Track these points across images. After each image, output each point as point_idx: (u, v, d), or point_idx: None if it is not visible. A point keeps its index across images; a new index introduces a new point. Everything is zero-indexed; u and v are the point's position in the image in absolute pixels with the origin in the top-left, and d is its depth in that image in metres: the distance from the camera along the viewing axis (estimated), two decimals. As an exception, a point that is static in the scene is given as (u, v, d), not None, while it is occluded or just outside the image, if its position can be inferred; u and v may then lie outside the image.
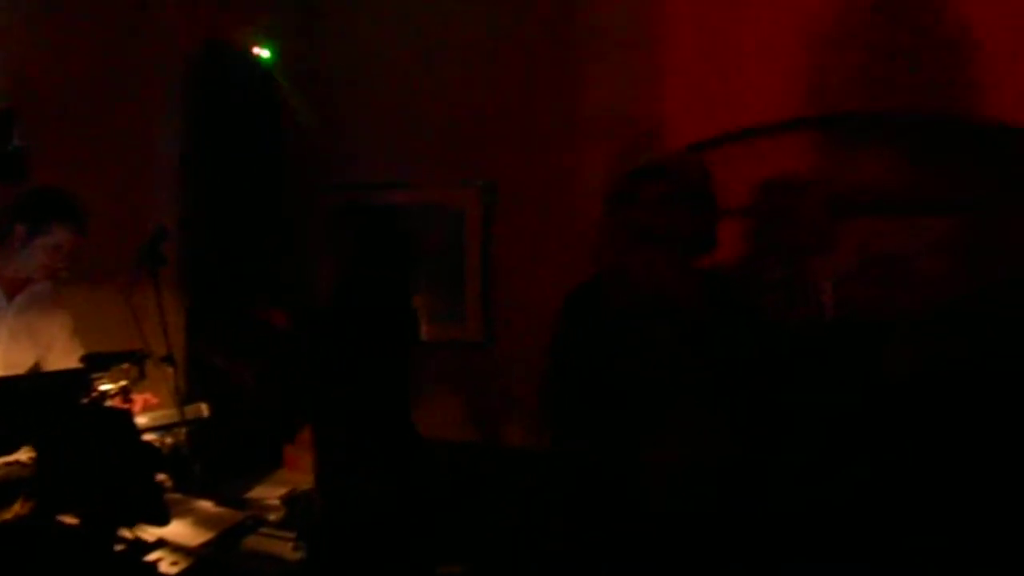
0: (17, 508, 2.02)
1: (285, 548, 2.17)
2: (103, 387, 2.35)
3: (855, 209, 2.92)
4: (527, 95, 3.23)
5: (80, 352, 2.53)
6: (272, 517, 2.38)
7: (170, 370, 2.63)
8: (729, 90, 2.92)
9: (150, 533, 2.09)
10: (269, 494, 2.61)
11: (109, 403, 2.34)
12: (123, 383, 2.37)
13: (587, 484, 1.84)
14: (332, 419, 2.51)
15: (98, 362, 2.37)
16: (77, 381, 2.32)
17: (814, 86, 2.80)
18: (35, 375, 2.48)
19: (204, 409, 2.72)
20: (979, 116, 2.62)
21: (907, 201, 2.88)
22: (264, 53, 3.39)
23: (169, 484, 2.54)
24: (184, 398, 2.72)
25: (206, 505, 2.39)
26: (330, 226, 2.53)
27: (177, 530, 2.15)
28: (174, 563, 2.02)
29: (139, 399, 2.45)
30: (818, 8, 2.78)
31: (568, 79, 3.17)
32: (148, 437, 2.65)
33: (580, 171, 3.13)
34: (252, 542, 2.21)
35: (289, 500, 2.50)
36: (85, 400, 2.30)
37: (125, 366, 2.38)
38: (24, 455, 2.10)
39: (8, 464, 2.08)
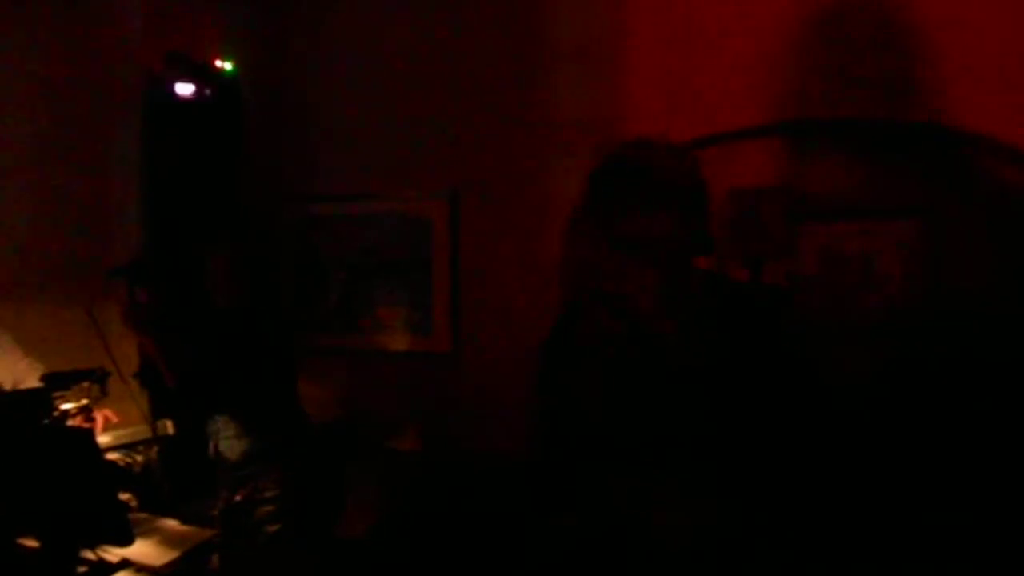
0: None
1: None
2: (64, 406, 2.32)
3: (817, 213, 2.96)
4: (492, 103, 3.23)
5: (22, 366, 2.49)
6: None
7: (137, 386, 2.60)
8: (692, 97, 2.95)
9: (114, 554, 2.06)
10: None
11: (70, 422, 2.31)
12: (84, 402, 2.34)
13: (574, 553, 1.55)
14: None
15: (58, 381, 2.33)
16: (37, 401, 2.29)
17: (775, 92, 2.84)
18: (-6, 396, 2.43)
19: (169, 426, 2.69)
20: (939, 121, 2.66)
21: (867, 205, 2.92)
22: (226, 66, 3.37)
23: (135, 503, 2.51)
24: (151, 415, 2.69)
25: (172, 524, 2.36)
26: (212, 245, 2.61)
27: (142, 550, 2.12)
28: (138, 584, 2.00)
29: (99, 417, 2.41)
30: (779, 14, 2.82)
31: (532, 86, 3.17)
32: (114, 456, 2.62)
33: (545, 178, 3.14)
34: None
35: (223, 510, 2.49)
36: (46, 420, 2.26)
37: (86, 385, 2.35)
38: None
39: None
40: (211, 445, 2.52)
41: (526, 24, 3.17)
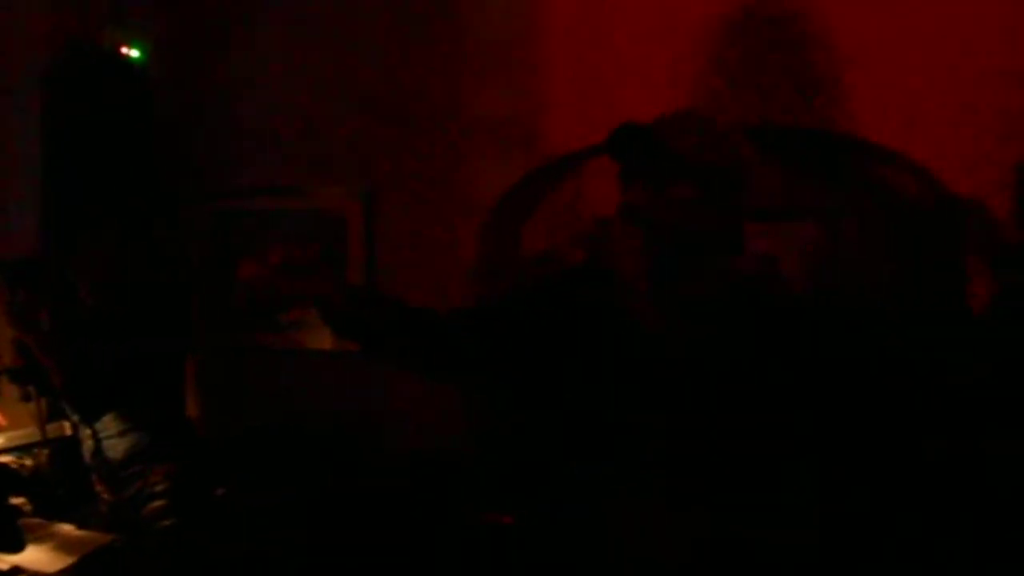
0: None
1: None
2: (-50, 408, 2.21)
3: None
4: (409, 99, 3.22)
5: None
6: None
7: (30, 388, 2.50)
8: (609, 98, 3.00)
9: (4, 561, 1.97)
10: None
11: (-42, 424, 2.20)
12: (-27, 402, 2.24)
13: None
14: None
15: (-55, 381, 2.22)
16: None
17: (687, 94, 2.90)
18: None
19: (67, 427, 2.59)
20: (844, 129, 2.77)
21: (772, 207, 3.02)
22: (133, 53, 3.25)
23: (28, 508, 2.41)
24: (46, 417, 2.59)
25: (67, 529, 2.27)
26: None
27: (34, 556, 2.03)
28: (29, 591, 1.92)
29: (-13, 419, 2.31)
30: (694, 19, 2.88)
31: (450, 82, 3.17)
32: (5, 458, 2.51)
33: (462, 175, 3.15)
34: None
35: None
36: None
37: (-26, 384, 2.25)
38: None
39: None
40: (89, 446, 2.44)
41: (444, 21, 3.17)
